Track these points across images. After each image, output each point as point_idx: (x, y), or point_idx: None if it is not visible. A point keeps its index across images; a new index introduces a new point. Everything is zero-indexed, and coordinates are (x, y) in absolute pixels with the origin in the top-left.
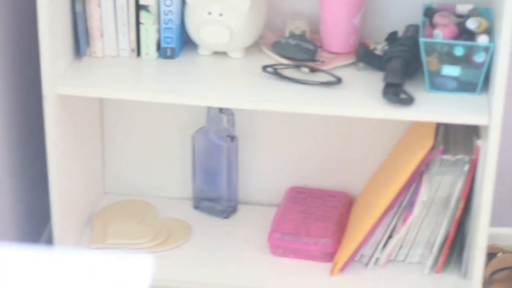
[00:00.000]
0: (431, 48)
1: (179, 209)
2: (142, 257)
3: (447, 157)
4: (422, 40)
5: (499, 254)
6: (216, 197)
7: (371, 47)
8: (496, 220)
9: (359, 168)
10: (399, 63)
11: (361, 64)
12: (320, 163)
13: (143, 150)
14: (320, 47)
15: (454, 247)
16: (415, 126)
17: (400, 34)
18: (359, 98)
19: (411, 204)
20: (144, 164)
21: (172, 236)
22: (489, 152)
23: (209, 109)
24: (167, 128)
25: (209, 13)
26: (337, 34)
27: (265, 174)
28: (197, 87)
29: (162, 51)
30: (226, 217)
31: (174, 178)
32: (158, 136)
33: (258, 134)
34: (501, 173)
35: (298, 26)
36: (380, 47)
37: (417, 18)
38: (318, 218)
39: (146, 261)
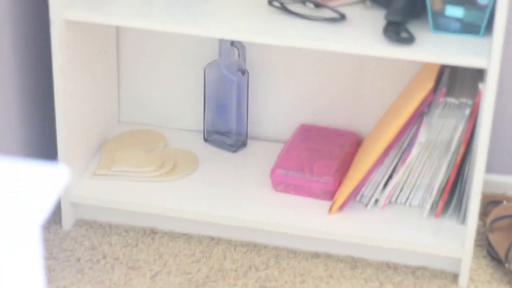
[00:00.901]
0: None
1: (190, 141)
2: (58, 168)
3: (450, 100)
4: None
5: (504, 202)
6: (226, 131)
7: None
8: (507, 168)
9: (370, 107)
10: (403, 2)
11: (368, 2)
12: (332, 101)
13: (158, 80)
14: None
15: (454, 192)
16: (424, 68)
17: None
18: (360, 36)
19: (411, 145)
20: (159, 94)
21: (178, 167)
22: (487, 96)
23: (221, 42)
24: (181, 59)
25: None
26: None
27: (275, 110)
28: (204, 19)
29: None
30: (234, 151)
31: (186, 110)
32: (173, 66)
33: (269, 69)
34: None
35: None
36: None
37: None
38: (323, 156)
39: (61, 171)
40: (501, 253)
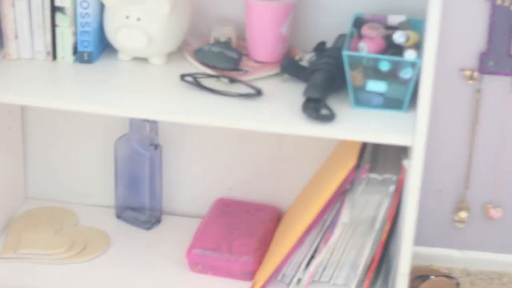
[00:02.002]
0: (355, 62)
1: (101, 217)
2: None
3: (374, 175)
4: (345, 53)
5: (432, 277)
6: (139, 207)
7: (297, 57)
8: (435, 240)
9: (289, 181)
10: (322, 77)
11: (286, 75)
12: (249, 174)
13: (66, 155)
14: (246, 55)
15: (380, 270)
16: (344, 142)
17: (331, 44)
18: (278, 113)
19: (333, 225)
20: (67, 169)
21: (89, 247)
22: (412, 174)
23: None
24: (90, 132)
25: (127, 17)
26: (263, 43)
27: (191, 184)
28: (113, 96)
29: (79, 55)
30: (148, 228)
31: (97, 185)
32: (81, 140)
33: (183, 142)
34: (440, 190)
35: (224, 32)
36: (307, 58)
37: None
38: (242, 233)
39: None
40: None
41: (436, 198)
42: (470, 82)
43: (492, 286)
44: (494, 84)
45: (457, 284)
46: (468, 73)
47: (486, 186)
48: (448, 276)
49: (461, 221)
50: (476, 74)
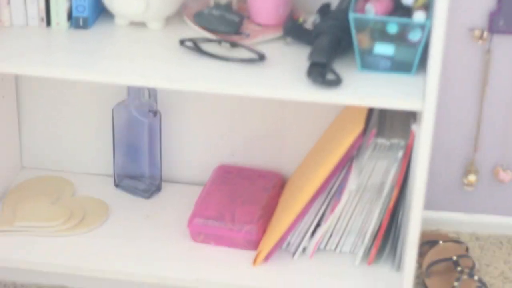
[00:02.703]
0: (362, 25)
1: (99, 187)
2: None
3: (381, 141)
4: (351, 15)
5: (440, 242)
6: (138, 175)
7: (300, 20)
8: (443, 204)
9: (293, 146)
10: (328, 40)
11: (289, 39)
12: (251, 140)
13: (62, 123)
14: (247, 18)
15: (388, 237)
16: (350, 106)
17: (336, 5)
18: (282, 78)
19: (340, 191)
20: (64, 137)
21: (88, 218)
22: (422, 140)
23: None
24: (86, 99)
25: None
26: (265, 4)
27: (191, 151)
28: (110, 63)
29: (74, 21)
30: (148, 197)
31: (95, 154)
32: (77, 108)
33: (183, 108)
34: (448, 153)
35: None
36: (311, 20)
37: None
38: (244, 201)
39: None
40: None
41: (445, 161)
42: (480, 42)
43: (501, 251)
44: (505, 44)
45: (466, 249)
46: (477, 33)
47: (496, 148)
48: (457, 241)
49: (470, 184)
50: (486, 34)
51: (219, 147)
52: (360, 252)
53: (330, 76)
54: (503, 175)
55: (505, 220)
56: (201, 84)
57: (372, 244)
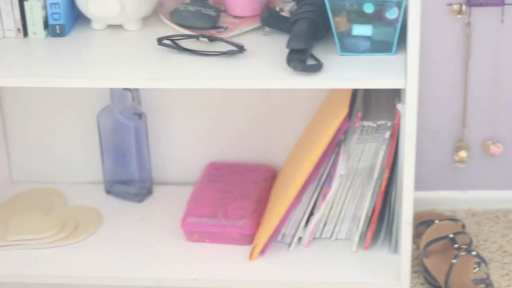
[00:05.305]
0: (338, 7)
1: (90, 195)
2: None
3: (367, 123)
4: None
5: (436, 222)
6: (128, 180)
7: (277, 8)
8: (436, 183)
9: (280, 137)
10: (305, 26)
11: (267, 28)
12: (239, 134)
13: (48, 133)
14: (224, 11)
15: (383, 220)
16: (335, 91)
17: None
18: (264, 68)
19: (330, 178)
20: (51, 148)
21: (81, 227)
22: (407, 117)
23: None
24: (70, 108)
25: None
26: None
27: (179, 151)
28: (90, 68)
29: (51, 29)
30: (140, 201)
31: (83, 162)
32: (62, 117)
33: (167, 108)
34: (437, 131)
35: None
36: (288, 8)
37: None
38: (236, 197)
39: None
40: (440, 279)
41: (434, 140)
42: (459, 16)
43: (498, 225)
44: (484, 17)
45: (463, 226)
46: (456, 7)
47: (484, 122)
48: (453, 219)
49: (461, 161)
50: (464, 7)
51: (207, 144)
52: (356, 238)
53: (310, 62)
54: (494, 149)
55: (500, 194)
56: (183, 81)
57: (367, 229)
